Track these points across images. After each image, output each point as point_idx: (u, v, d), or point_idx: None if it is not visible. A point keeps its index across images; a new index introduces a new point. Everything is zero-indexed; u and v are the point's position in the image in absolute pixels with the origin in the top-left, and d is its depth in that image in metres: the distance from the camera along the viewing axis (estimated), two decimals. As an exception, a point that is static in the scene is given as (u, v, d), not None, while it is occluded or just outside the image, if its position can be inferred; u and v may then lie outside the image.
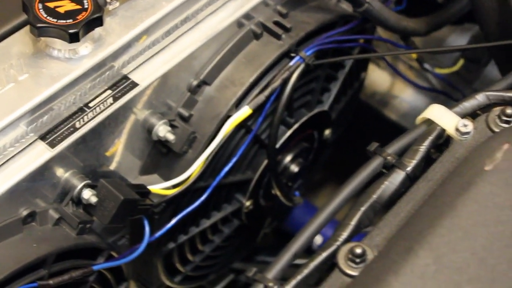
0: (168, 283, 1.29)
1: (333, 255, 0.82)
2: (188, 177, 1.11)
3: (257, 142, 1.21)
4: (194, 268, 1.31)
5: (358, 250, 0.79)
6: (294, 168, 1.32)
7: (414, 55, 1.46)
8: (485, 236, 0.75)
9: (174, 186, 1.11)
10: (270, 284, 0.81)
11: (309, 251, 0.89)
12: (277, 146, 1.23)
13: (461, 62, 1.47)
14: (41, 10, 0.96)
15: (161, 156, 1.14)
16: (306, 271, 0.81)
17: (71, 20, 0.96)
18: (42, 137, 0.98)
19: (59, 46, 0.99)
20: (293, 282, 0.80)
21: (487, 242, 0.75)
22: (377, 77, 1.58)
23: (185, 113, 1.12)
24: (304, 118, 1.27)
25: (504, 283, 0.73)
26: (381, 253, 0.78)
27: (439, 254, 0.74)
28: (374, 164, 0.89)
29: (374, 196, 0.86)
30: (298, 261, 0.85)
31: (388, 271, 0.74)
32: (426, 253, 0.74)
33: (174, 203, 1.14)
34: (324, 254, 0.82)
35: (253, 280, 0.82)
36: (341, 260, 0.80)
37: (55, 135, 0.99)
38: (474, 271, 0.73)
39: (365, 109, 1.58)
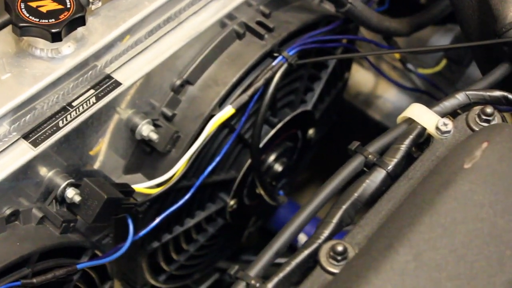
0: (152, 282, 1.29)
1: (315, 252, 0.82)
2: (172, 176, 1.11)
3: (240, 142, 1.22)
4: (178, 267, 1.31)
5: (340, 248, 0.80)
6: (278, 167, 1.32)
7: (397, 55, 1.46)
8: (464, 233, 0.76)
9: (158, 185, 1.11)
10: (253, 282, 0.81)
11: (293, 250, 0.89)
12: (261, 145, 1.24)
13: (443, 62, 1.47)
14: (23, 10, 0.96)
15: (145, 155, 1.14)
16: (288, 269, 0.81)
17: (53, 20, 0.96)
18: (25, 136, 0.98)
19: (41, 45, 0.99)
20: (275, 279, 0.81)
21: (466, 239, 0.75)
22: (361, 77, 1.59)
23: (169, 112, 1.12)
24: (288, 118, 1.28)
25: (483, 280, 0.73)
26: (362, 251, 0.79)
27: (418, 251, 0.74)
28: (355, 163, 0.89)
29: (356, 195, 0.86)
30: (281, 260, 0.86)
31: (368, 268, 0.74)
32: (406, 250, 0.75)
33: (158, 202, 1.14)
34: (306, 252, 0.82)
35: (236, 278, 0.83)
36: (322, 257, 0.80)
37: (38, 134, 0.99)
38: (453, 268, 0.74)
39: (349, 109, 1.59)
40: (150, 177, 1.13)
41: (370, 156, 0.90)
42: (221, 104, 1.13)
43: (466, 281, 0.73)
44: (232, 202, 1.28)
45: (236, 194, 1.28)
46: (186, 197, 1.15)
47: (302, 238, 1.47)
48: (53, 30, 0.95)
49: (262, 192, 1.32)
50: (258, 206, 1.38)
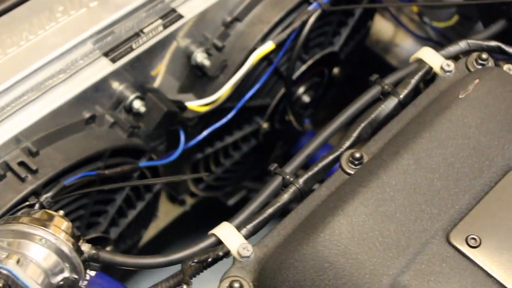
0: (193, 189, 1.50)
1: (337, 158, 1.02)
2: (218, 98, 1.31)
3: (276, 73, 1.41)
4: (215, 179, 1.51)
5: (357, 155, 1.00)
6: (306, 98, 1.51)
7: (415, 9, 1.63)
8: (454, 146, 0.95)
9: (206, 105, 1.31)
10: (287, 177, 1.01)
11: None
12: (293, 77, 1.43)
13: (456, 17, 1.62)
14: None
15: (196, 79, 1.34)
16: (315, 169, 1.01)
17: (135, -40, 1.16)
18: (106, 54, 1.18)
19: (123, -20, 1.18)
20: (305, 176, 1.01)
21: (455, 151, 0.94)
22: (382, 27, 1.75)
23: (219, 43, 1.31)
24: (318, 56, 1.46)
25: (466, 182, 0.92)
26: (374, 156, 0.99)
27: (418, 157, 0.94)
28: (375, 90, 1.09)
29: (372, 116, 1.06)
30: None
31: (379, 167, 0.94)
32: (408, 156, 0.94)
33: (205, 119, 1.34)
34: (331, 157, 1.02)
35: (274, 173, 1.03)
36: (343, 162, 1.00)
37: (116, 53, 1.19)
38: (443, 171, 0.93)
39: (369, 55, 1.75)
40: (200, 97, 1.33)
41: (386, 86, 1.09)
42: (263, 39, 1.32)
43: (452, 182, 0.92)
44: (265, 125, 1.47)
45: (269, 118, 1.47)
46: (229, 116, 1.35)
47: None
48: (135, -31, 1.15)
49: (291, 118, 1.52)
50: (286, 132, 1.58)
